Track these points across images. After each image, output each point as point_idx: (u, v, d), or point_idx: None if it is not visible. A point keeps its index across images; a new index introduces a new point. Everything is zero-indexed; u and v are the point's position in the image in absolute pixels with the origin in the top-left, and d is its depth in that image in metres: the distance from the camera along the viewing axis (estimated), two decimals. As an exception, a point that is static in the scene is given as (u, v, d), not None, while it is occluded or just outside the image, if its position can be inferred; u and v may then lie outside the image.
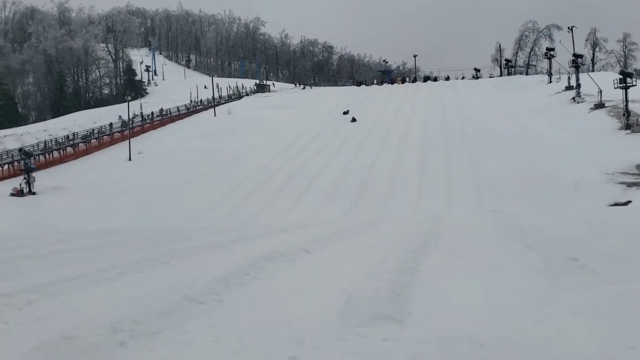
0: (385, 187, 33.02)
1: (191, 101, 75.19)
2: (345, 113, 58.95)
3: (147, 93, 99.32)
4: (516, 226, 12.86)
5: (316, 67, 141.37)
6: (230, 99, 78.57)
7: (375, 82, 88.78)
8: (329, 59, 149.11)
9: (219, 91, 76.07)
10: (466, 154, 38.68)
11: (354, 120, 55.29)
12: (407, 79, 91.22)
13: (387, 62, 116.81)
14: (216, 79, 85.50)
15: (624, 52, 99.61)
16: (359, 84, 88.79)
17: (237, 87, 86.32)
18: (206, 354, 4.09)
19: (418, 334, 4.23)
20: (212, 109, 66.28)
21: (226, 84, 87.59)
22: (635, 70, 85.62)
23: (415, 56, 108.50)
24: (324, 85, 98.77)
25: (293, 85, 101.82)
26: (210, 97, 72.69)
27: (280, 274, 7.43)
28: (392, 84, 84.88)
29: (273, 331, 4.56)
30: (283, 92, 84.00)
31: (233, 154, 43.52)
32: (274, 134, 50.17)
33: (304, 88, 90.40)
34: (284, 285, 6.70)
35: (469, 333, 4.10)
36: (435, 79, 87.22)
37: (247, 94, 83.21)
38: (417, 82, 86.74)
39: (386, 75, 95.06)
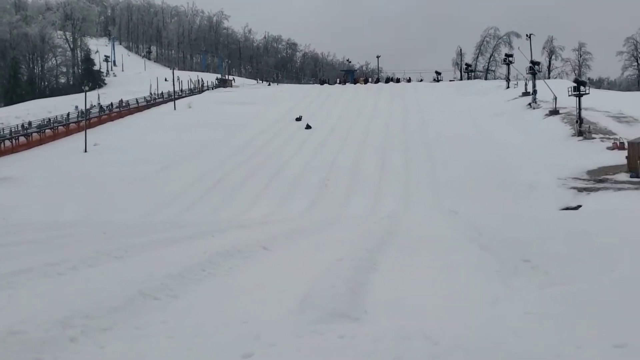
0: (345, 186, 33.18)
1: (151, 93, 73.90)
2: (298, 119, 53.91)
3: (106, 84, 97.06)
4: (472, 227, 13.12)
5: (279, 63, 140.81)
6: (191, 92, 77.64)
7: (338, 81, 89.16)
8: (293, 56, 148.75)
9: (179, 84, 75.03)
10: (425, 155, 39.23)
11: (308, 127, 50.47)
12: (370, 80, 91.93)
13: (350, 62, 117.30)
14: (177, 72, 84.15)
15: (579, 61, 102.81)
16: (322, 82, 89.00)
17: (199, 80, 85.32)
18: (160, 349, 4.03)
19: (373, 331, 4.26)
20: (172, 102, 65.33)
21: (187, 77, 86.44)
22: (589, 79, 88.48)
23: (378, 57, 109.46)
24: (287, 83, 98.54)
25: (255, 81, 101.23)
26: (170, 90, 71.61)
27: (238, 271, 7.38)
28: (355, 83, 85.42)
29: (229, 327, 4.52)
30: (245, 88, 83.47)
31: (192, 149, 42.97)
32: (234, 130, 49.76)
33: (269, 84, 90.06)
34: (240, 281, 6.65)
35: (424, 331, 4.16)
36: (398, 80, 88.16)
37: (209, 88, 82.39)
38: (380, 82, 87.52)
39: (349, 75, 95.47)
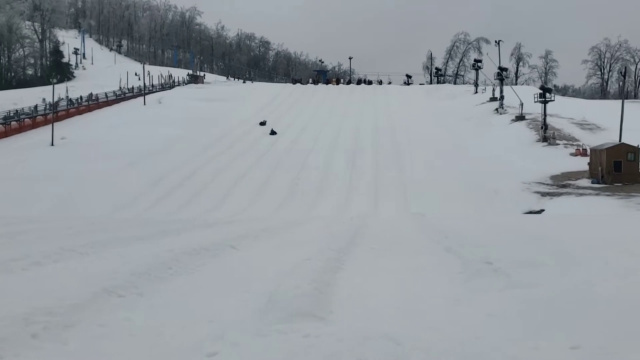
0: (315, 186, 33.28)
1: (120, 88, 72.85)
2: (262, 124, 49.50)
3: (75, 77, 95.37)
4: (437, 229, 13.30)
5: (252, 61, 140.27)
6: (162, 88, 76.83)
7: (310, 81, 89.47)
8: (265, 55, 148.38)
9: (150, 79, 74.12)
10: (395, 157, 39.59)
11: (273, 133, 46.38)
12: (342, 81, 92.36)
13: (323, 62, 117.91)
14: (148, 67, 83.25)
15: (545, 68, 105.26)
16: (294, 81, 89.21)
17: (169, 76, 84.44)
18: (122, 348, 4.01)
19: (338, 331, 4.31)
20: (142, 97, 64.52)
21: (158, 72, 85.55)
22: (554, 86, 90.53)
23: (350, 58, 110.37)
24: (260, 81, 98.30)
25: (225, 78, 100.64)
26: (140, 84, 70.70)
27: (204, 270, 7.36)
28: (327, 84, 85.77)
29: (193, 326, 4.52)
30: (216, 85, 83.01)
31: (161, 145, 42.51)
32: (205, 126, 49.40)
33: (244, 82, 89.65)
34: (207, 280, 6.64)
35: (387, 331, 4.23)
36: (370, 82, 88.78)
37: (180, 84, 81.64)
38: (352, 84, 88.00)
39: (322, 75, 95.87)
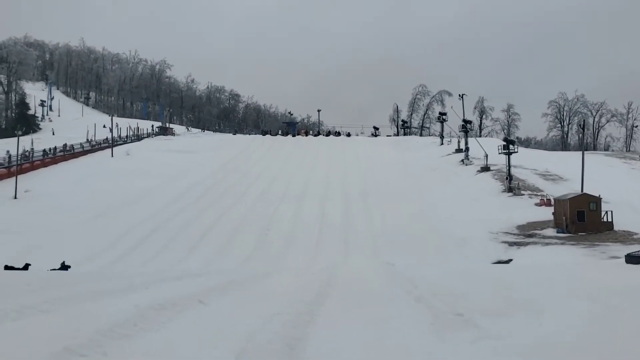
0: (285, 237, 33.08)
1: (88, 140, 72.28)
2: (24, 268, 24.60)
3: (41, 129, 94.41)
4: (408, 279, 13.30)
5: (222, 113, 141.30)
6: (131, 139, 76.56)
7: (280, 132, 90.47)
8: (235, 107, 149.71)
9: (118, 131, 73.79)
10: (364, 208, 39.79)
11: (64, 267, 24.50)
12: (311, 132, 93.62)
13: (292, 114, 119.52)
14: (116, 119, 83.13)
15: (508, 121, 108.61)
16: (264, 133, 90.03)
17: (138, 128, 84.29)
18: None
19: (308, 388, 4.23)
20: (110, 149, 64.04)
21: (127, 124, 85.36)
22: (517, 138, 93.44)
23: (319, 111, 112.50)
24: (229, 132, 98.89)
25: (197, 129, 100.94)
26: (108, 136, 70.34)
27: (171, 325, 7.17)
28: (297, 135, 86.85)
29: (159, 386, 4.38)
30: (186, 136, 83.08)
31: (128, 197, 41.94)
32: (173, 178, 49.10)
33: (235, 134, 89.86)
34: (173, 337, 6.47)
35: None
36: (338, 134, 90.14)
37: (149, 136, 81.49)
38: (320, 135, 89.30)
39: (291, 127, 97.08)
